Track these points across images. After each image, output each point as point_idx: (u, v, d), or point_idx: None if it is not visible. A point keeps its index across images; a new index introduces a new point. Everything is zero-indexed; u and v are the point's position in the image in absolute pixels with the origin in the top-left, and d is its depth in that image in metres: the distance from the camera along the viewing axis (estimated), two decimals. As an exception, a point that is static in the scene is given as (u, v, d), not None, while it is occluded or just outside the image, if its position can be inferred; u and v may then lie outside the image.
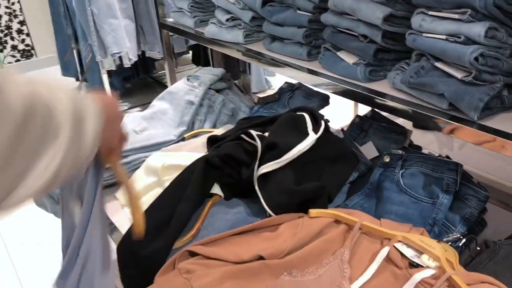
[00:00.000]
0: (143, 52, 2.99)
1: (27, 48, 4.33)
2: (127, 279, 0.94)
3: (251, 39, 1.45)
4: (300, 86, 1.58)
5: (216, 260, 0.82)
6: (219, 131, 1.37)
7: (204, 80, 1.56)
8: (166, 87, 1.76)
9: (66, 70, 3.34)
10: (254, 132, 1.10)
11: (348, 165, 1.15)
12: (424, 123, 0.94)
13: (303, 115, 1.13)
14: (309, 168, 1.05)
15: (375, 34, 1.02)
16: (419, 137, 1.42)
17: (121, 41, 2.71)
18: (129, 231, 0.98)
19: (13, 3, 4.12)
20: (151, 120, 1.51)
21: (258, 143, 1.06)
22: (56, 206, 1.35)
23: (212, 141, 1.25)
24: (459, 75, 0.87)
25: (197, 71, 1.66)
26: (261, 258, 0.81)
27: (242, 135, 1.13)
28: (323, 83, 1.16)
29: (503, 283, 0.74)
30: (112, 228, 1.11)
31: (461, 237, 0.90)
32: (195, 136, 1.43)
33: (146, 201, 1.04)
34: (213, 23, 1.52)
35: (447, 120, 0.89)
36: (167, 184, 1.07)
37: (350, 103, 2.28)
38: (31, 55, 4.37)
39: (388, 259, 0.81)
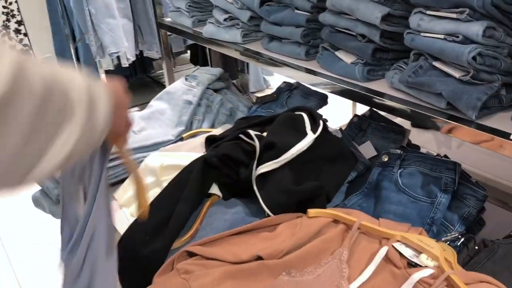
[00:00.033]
0: (141, 52, 2.98)
1: (25, 48, 4.32)
2: (125, 279, 0.94)
3: (249, 39, 1.44)
4: (298, 85, 1.58)
5: (214, 260, 0.82)
6: (217, 131, 1.37)
7: (202, 80, 1.55)
8: (164, 86, 1.76)
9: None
10: (252, 132, 1.10)
11: (347, 164, 1.15)
12: (422, 122, 0.94)
13: (301, 115, 1.13)
14: (307, 168, 1.05)
15: (373, 33, 1.02)
16: (417, 136, 1.42)
17: (119, 41, 2.71)
18: (128, 232, 0.98)
19: (10, 3, 4.11)
20: (149, 120, 1.51)
21: (257, 143, 1.06)
22: (54, 207, 1.35)
23: (210, 141, 1.25)
24: (457, 74, 0.88)
25: (195, 71, 1.66)
26: (259, 258, 0.81)
27: (241, 135, 1.12)
28: (321, 83, 1.16)
29: (502, 282, 0.74)
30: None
31: (460, 236, 0.90)
32: (193, 136, 1.43)
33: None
34: (211, 22, 1.52)
35: (445, 120, 0.89)
36: (165, 184, 1.07)
37: (348, 102, 2.28)
38: (29, 55, 4.35)
39: (386, 258, 0.81)
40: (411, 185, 1.01)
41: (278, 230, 0.89)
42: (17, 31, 4.25)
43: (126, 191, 1.18)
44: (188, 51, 3.55)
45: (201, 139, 1.33)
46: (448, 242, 0.89)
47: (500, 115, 0.89)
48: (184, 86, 1.55)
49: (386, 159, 1.07)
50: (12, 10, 4.16)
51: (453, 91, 0.87)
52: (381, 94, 1.02)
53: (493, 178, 1.49)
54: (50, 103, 0.49)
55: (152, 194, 1.07)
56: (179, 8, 1.69)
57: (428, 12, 0.91)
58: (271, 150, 1.02)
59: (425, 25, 0.91)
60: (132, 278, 0.93)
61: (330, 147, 1.11)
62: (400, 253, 0.82)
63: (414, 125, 1.52)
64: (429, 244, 0.81)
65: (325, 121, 1.17)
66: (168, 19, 1.81)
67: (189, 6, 1.63)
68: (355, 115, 1.41)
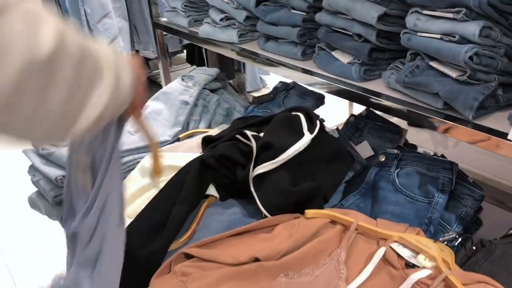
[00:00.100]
0: (137, 52, 2.98)
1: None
2: (122, 281, 0.93)
3: (246, 39, 1.44)
4: (295, 85, 1.58)
5: (212, 262, 0.82)
6: (214, 131, 1.37)
7: (199, 80, 1.55)
8: (160, 86, 1.75)
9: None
10: (249, 133, 1.10)
11: (344, 164, 1.14)
12: (419, 122, 0.94)
13: (298, 115, 1.13)
14: (304, 168, 1.04)
15: (369, 33, 1.02)
16: (414, 135, 1.42)
17: (114, 41, 2.70)
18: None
19: (5, 3, 4.09)
20: (146, 120, 1.50)
21: (253, 144, 1.06)
22: (50, 209, 1.35)
23: (207, 142, 1.24)
24: (454, 74, 0.87)
25: (192, 71, 1.66)
26: (257, 259, 0.81)
27: (237, 136, 1.12)
28: (318, 83, 1.16)
29: (499, 283, 0.73)
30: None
31: (457, 236, 0.90)
32: (190, 136, 1.42)
33: (141, 203, 1.03)
34: (207, 22, 1.51)
35: (442, 120, 0.89)
36: (162, 185, 1.06)
37: (345, 102, 2.28)
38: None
39: (384, 259, 0.81)
40: (408, 185, 1.01)
41: (276, 231, 0.89)
42: (12, 31, 4.22)
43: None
44: (185, 51, 3.55)
45: (197, 139, 1.32)
46: (445, 242, 0.89)
47: (497, 115, 0.89)
48: (180, 87, 1.55)
49: (383, 159, 1.07)
50: (7, 10, 4.13)
51: (450, 91, 0.87)
52: (378, 94, 1.02)
53: (490, 177, 1.49)
54: (85, 65, 0.57)
55: (149, 195, 1.07)
56: (175, 8, 1.68)
57: (425, 11, 0.91)
58: (268, 151, 1.02)
59: (421, 25, 0.91)
60: (129, 280, 0.92)
61: (327, 147, 1.11)
62: (398, 254, 0.82)
63: (410, 124, 1.52)
64: (426, 245, 0.80)
65: (322, 121, 1.17)
66: (164, 19, 1.81)
67: (185, 6, 1.63)
68: (352, 115, 1.41)
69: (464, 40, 0.84)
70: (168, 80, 1.94)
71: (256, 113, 1.55)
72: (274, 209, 0.94)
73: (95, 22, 2.63)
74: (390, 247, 0.83)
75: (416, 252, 0.81)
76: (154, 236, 0.94)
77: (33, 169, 1.39)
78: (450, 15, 0.85)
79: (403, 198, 1.00)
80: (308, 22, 1.21)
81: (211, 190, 1.06)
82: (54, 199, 1.32)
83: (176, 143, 1.38)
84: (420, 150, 1.29)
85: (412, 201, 0.99)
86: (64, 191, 0.91)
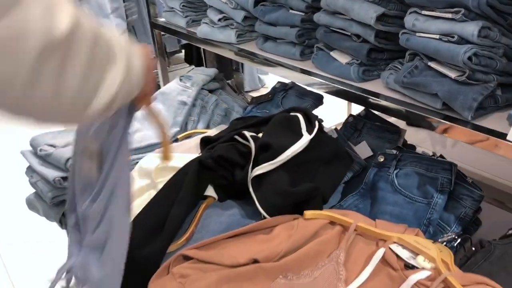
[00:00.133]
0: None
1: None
2: (121, 283, 0.93)
3: (244, 39, 1.44)
4: (293, 85, 1.58)
5: (210, 263, 0.82)
6: (212, 132, 1.37)
7: (197, 80, 1.55)
8: (158, 86, 1.75)
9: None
10: (247, 133, 1.10)
11: (342, 165, 1.14)
12: (417, 122, 0.94)
13: (296, 116, 1.13)
14: (303, 169, 1.04)
15: (368, 33, 1.02)
16: (412, 134, 1.42)
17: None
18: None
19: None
20: (143, 121, 1.50)
21: (252, 144, 1.05)
22: (49, 210, 1.35)
23: (206, 142, 1.24)
24: (452, 74, 0.87)
25: (190, 71, 1.66)
26: (256, 261, 0.81)
27: (236, 136, 1.12)
28: (316, 83, 1.16)
29: (498, 283, 0.73)
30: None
31: (456, 237, 0.90)
32: (188, 137, 1.42)
33: (140, 204, 1.03)
34: (205, 22, 1.51)
35: (441, 120, 0.89)
36: (160, 186, 1.06)
37: (344, 101, 2.28)
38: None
39: (383, 260, 0.81)
40: (407, 186, 1.01)
41: (275, 232, 0.89)
42: (10, 31, 4.21)
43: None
44: (183, 51, 3.54)
45: (196, 140, 1.32)
46: (444, 243, 0.88)
47: (496, 115, 0.88)
48: (178, 87, 1.54)
49: (382, 160, 1.07)
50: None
51: (449, 91, 0.86)
52: (377, 95, 1.02)
53: (489, 177, 1.49)
54: (99, 49, 0.59)
55: (147, 196, 1.06)
56: (173, 8, 1.68)
57: (423, 12, 0.90)
58: (266, 152, 1.01)
59: (420, 25, 0.90)
60: (127, 281, 0.92)
61: (326, 148, 1.11)
62: (397, 255, 0.81)
63: (409, 123, 1.52)
64: (426, 246, 0.80)
65: (320, 121, 1.16)
66: (162, 19, 1.80)
67: (183, 6, 1.62)
68: (350, 115, 1.41)
69: (463, 41, 0.84)
70: (166, 80, 1.94)
71: (254, 114, 1.55)
72: (273, 210, 0.94)
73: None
74: (389, 248, 0.83)
75: (415, 253, 0.81)
76: (152, 237, 0.94)
77: (30, 170, 1.39)
78: (449, 15, 0.85)
79: (402, 199, 0.99)
80: (307, 22, 1.21)
81: (210, 191, 1.06)
82: (52, 200, 1.31)
83: (174, 144, 1.38)
84: (418, 149, 1.29)
85: (411, 201, 0.98)
86: (69, 177, 0.94)
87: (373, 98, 1.01)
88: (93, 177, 0.85)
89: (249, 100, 1.66)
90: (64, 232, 1.53)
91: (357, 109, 1.40)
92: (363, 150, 1.24)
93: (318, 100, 1.50)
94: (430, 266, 0.78)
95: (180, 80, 1.58)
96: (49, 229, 1.64)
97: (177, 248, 0.94)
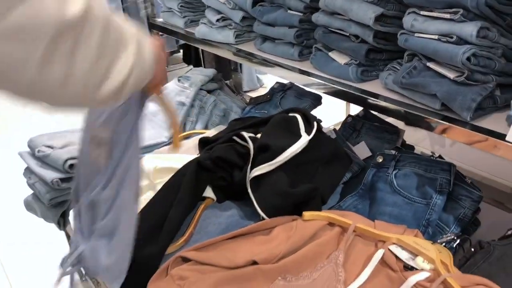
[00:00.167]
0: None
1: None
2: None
3: (242, 39, 1.43)
4: (291, 86, 1.58)
5: (209, 265, 0.82)
6: (210, 132, 1.36)
7: (195, 81, 1.54)
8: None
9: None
10: (246, 134, 1.09)
11: (341, 165, 1.14)
12: (416, 123, 0.94)
13: (295, 117, 1.12)
14: (301, 170, 1.04)
15: (366, 34, 1.02)
16: (411, 134, 1.42)
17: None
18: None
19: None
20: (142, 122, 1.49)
21: (251, 145, 1.05)
22: (46, 211, 1.34)
23: (204, 143, 1.23)
24: (451, 75, 0.87)
25: (188, 72, 1.65)
26: (255, 263, 0.81)
27: (234, 137, 1.12)
28: (315, 84, 1.16)
29: (498, 284, 0.73)
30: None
31: (455, 238, 0.89)
32: (187, 137, 1.42)
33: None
34: (204, 23, 1.51)
35: (440, 121, 0.89)
36: (159, 187, 1.06)
37: (342, 101, 2.27)
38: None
39: (382, 262, 0.81)
40: (406, 186, 1.00)
41: (273, 234, 0.89)
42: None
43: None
44: (181, 50, 3.54)
45: (194, 141, 1.32)
46: (444, 244, 0.88)
47: (494, 116, 0.88)
48: (177, 87, 1.54)
49: (380, 160, 1.06)
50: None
51: (448, 92, 0.86)
52: (375, 95, 1.02)
53: (488, 176, 1.49)
54: (110, 33, 0.61)
55: (146, 197, 1.06)
56: (171, 8, 1.68)
57: (422, 12, 0.90)
58: (265, 153, 1.01)
59: (418, 25, 0.90)
60: (126, 283, 0.92)
61: (325, 148, 1.10)
62: (396, 256, 0.81)
63: (408, 123, 1.52)
64: (425, 247, 0.80)
65: (319, 122, 1.16)
66: (160, 20, 1.80)
67: (181, 6, 1.62)
68: (349, 115, 1.41)
69: (461, 41, 0.84)
70: (164, 81, 1.93)
71: (253, 114, 1.55)
72: (271, 211, 0.94)
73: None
74: (389, 249, 0.82)
75: (415, 254, 0.81)
76: (150, 239, 0.93)
77: (28, 171, 1.38)
78: (448, 16, 0.85)
79: (401, 200, 0.99)
80: (305, 22, 1.20)
81: (208, 192, 1.06)
82: (50, 201, 1.31)
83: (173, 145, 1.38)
84: (417, 148, 1.29)
85: (410, 202, 0.98)
86: (76, 165, 0.97)
87: (371, 98, 1.01)
88: (101, 164, 0.87)
89: (248, 100, 1.66)
90: (62, 233, 1.53)
91: (355, 109, 1.40)
92: (362, 150, 1.24)
93: (316, 101, 1.49)
94: (429, 267, 0.78)
95: (179, 80, 1.57)
96: (47, 230, 1.64)
97: (175, 250, 0.94)
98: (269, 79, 3.60)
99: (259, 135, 1.11)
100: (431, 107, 0.91)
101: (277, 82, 1.63)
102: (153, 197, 1.03)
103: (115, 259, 0.84)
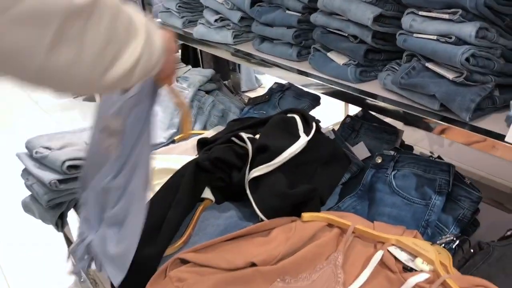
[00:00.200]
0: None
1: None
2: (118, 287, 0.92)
3: (240, 40, 1.43)
4: (290, 86, 1.57)
5: (208, 267, 0.81)
6: (209, 133, 1.36)
7: (194, 81, 1.54)
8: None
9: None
10: (244, 135, 1.09)
11: (340, 166, 1.14)
12: (415, 123, 0.94)
13: (294, 117, 1.12)
14: (300, 171, 1.04)
15: (365, 34, 1.01)
16: (410, 134, 1.42)
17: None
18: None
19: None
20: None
21: (249, 146, 1.05)
22: (44, 212, 1.34)
23: (202, 144, 1.23)
24: (450, 75, 0.87)
25: (186, 72, 1.65)
26: (254, 264, 0.80)
27: (233, 138, 1.11)
28: (313, 84, 1.15)
29: (497, 285, 0.73)
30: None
31: (455, 238, 0.89)
32: (185, 138, 1.41)
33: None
34: (202, 23, 1.50)
35: (439, 121, 0.89)
36: (157, 188, 1.05)
37: (341, 102, 2.27)
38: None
39: (382, 263, 0.81)
40: (405, 187, 1.00)
41: (272, 235, 0.88)
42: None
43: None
44: (179, 50, 3.53)
45: (193, 141, 1.31)
46: (443, 245, 0.88)
47: (493, 116, 0.88)
48: (175, 88, 1.54)
49: (379, 161, 1.06)
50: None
51: (446, 92, 0.86)
52: (374, 96, 1.01)
53: (487, 176, 1.49)
54: (120, 20, 0.62)
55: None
56: (169, 8, 1.67)
57: (421, 12, 0.90)
58: (264, 153, 1.01)
59: (417, 26, 0.90)
60: (124, 285, 0.91)
61: (323, 149, 1.10)
62: (395, 257, 0.81)
63: (406, 123, 1.52)
64: (424, 248, 0.80)
65: (317, 122, 1.16)
66: (158, 20, 1.80)
67: (179, 6, 1.61)
68: (348, 116, 1.40)
69: (460, 41, 0.84)
70: (163, 81, 1.93)
71: (251, 114, 1.55)
72: (270, 212, 0.94)
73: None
74: (388, 250, 0.82)
75: (414, 255, 0.81)
76: (149, 240, 0.93)
77: (26, 172, 1.38)
78: (446, 16, 0.85)
79: (400, 200, 0.99)
80: (303, 23, 1.20)
81: (207, 193, 1.05)
82: (48, 203, 1.31)
83: (171, 145, 1.37)
84: (416, 149, 1.29)
85: (409, 203, 0.98)
86: (84, 155, 0.99)
87: (370, 99, 1.01)
88: (112, 154, 0.89)
89: (246, 100, 1.66)
90: (60, 234, 1.53)
91: (354, 110, 1.40)
92: (360, 151, 1.24)
93: (315, 101, 1.49)
94: (428, 268, 0.78)
95: (177, 81, 1.57)
96: (45, 231, 1.63)
97: (174, 251, 0.93)
98: (268, 79, 3.60)
99: (257, 136, 1.11)
100: (430, 107, 0.91)
101: (275, 83, 1.62)
102: (152, 198, 1.02)
103: (124, 247, 0.85)
